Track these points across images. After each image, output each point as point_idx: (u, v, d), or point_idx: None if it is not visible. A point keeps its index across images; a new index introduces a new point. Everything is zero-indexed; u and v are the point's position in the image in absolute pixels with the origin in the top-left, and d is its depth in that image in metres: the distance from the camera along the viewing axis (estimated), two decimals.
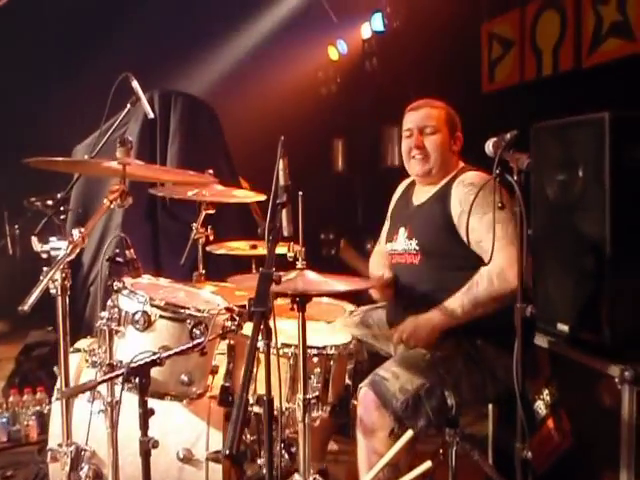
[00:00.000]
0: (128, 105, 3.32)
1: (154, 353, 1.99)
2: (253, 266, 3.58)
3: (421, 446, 3.03)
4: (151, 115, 3.27)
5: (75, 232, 1.95)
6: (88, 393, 2.36)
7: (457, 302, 2.44)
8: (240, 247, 3.54)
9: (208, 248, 3.50)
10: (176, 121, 4.23)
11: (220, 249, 3.51)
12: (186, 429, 2.60)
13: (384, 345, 2.81)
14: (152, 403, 2.35)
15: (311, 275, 2.20)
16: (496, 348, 2.50)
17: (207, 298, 2.65)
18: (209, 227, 3.50)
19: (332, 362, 2.46)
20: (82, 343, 2.78)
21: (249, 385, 1.45)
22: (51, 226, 3.34)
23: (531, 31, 5.34)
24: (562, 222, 2.99)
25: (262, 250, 3.55)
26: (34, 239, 2.07)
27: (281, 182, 1.97)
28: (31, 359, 4.34)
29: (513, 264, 2.30)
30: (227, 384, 2.49)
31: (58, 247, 1.99)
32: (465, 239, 2.47)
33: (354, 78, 7.09)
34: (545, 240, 3.15)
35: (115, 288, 2.37)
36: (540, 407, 3.05)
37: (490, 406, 3.26)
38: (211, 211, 3.40)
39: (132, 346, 2.31)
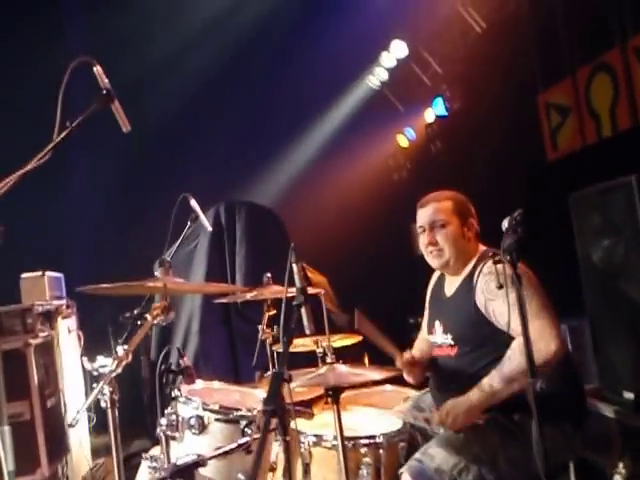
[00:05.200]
0: (188, 222, 3.63)
1: (198, 455, 2.14)
2: (319, 361, 3.70)
3: None
4: (209, 229, 3.55)
5: (120, 349, 2.18)
6: None
7: (493, 379, 2.46)
8: (304, 344, 3.68)
9: (275, 347, 3.66)
10: (241, 229, 4.54)
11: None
12: None
13: (436, 428, 2.83)
14: None
15: (341, 368, 2.31)
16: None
17: (261, 398, 2.79)
18: (275, 327, 3.68)
19: (382, 450, 2.51)
20: (157, 450, 2.96)
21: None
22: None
23: (586, 96, 5.37)
24: (611, 287, 2.98)
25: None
26: (84, 359, 2.32)
27: (297, 284, 2.13)
28: (131, 468, 4.57)
29: (542, 336, 2.37)
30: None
31: (105, 364, 2.22)
32: (497, 324, 2.52)
33: (422, 162, 7.27)
34: (600, 306, 3.12)
35: (173, 396, 2.55)
36: None
37: None
38: (272, 312, 3.58)
39: (189, 449, 2.46)
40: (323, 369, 2.34)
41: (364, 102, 7.62)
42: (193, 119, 6.18)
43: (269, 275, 3.51)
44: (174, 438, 2.50)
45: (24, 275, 5.13)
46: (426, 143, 7.18)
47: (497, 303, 2.49)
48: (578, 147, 5.48)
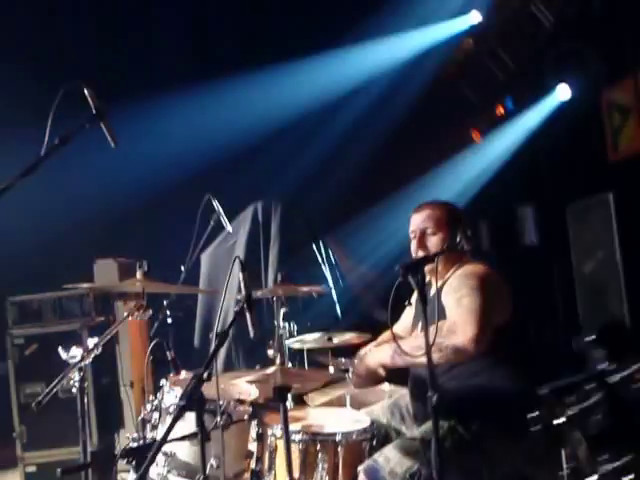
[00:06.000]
0: (211, 222, 3.91)
1: (153, 439, 2.39)
2: (329, 357, 3.88)
3: None
4: (229, 229, 3.80)
5: (90, 341, 2.47)
6: None
7: (408, 342, 2.61)
8: (315, 340, 3.85)
9: (287, 342, 3.87)
10: (276, 226, 4.78)
11: (297, 343, 3.86)
12: None
13: (409, 429, 2.94)
14: None
15: (289, 370, 2.48)
16: (496, 433, 2.56)
17: (243, 390, 3.00)
18: (291, 322, 3.90)
19: (340, 448, 2.67)
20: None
21: (149, 467, 1.78)
22: None
23: None
24: (599, 301, 2.97)
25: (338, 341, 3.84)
26: (60, 349, 2.62)
27: (243, 292, 2.32)
28: None
29: (466, 322, 2.48)
30: (257, 468, 2.80)
31: (75, 355, 2.52)
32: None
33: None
34: (589, 317, 3.12)
35: (160, 385, 2.82)
36: None
37: None
38: (284, 309, 3.80)
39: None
40: (272, 369, 2.52)
41: (436, 96, 7.60)
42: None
43: (282, 273, 3.72)
44: (155, 422, 2.77)
45: (98, 261, 5.62)
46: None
47: (448, 297, 2.68)
48: (638, 149, 5.32)
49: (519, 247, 6.99)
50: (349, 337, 3.89)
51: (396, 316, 2.71)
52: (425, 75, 7.40)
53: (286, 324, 3.89)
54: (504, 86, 7.09)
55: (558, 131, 6.25)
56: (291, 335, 3.92)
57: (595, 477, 1.86)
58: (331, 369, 3.55)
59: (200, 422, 2.00)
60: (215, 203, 3.85)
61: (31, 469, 4.84)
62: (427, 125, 7.31)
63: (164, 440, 1.89)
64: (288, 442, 2.46)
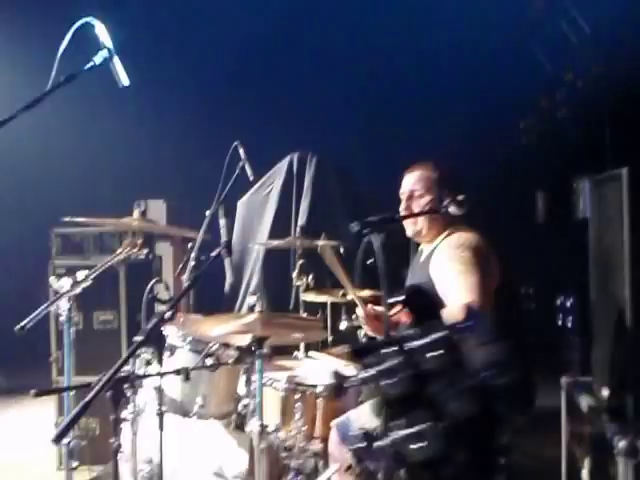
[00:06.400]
0: (237, 170, 3.93)
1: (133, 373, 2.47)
2: (343, 312, 3.90)
3: None
4: (251, 178, 3.82)
5: (80, 273, 2.57)
6: None
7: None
8: (332, 294, 3.86)
9: (303, 296, 3.90)
10: (309, 179, 4.79)
11: (310, 296, 3.88)
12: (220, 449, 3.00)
13: None
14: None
15: (270, 318, 2.51)
16: None
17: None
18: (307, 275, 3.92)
19: (320, 400, 2.69)
20: None
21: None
22: None
23: None
24: (607, 280, 2.85)
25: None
26: (52, 278, 2.72)
27: (223, 237, 2.34)
28: None
29: (465, 310, 2.37)
30: (243, 411, 2.88)
31: (63, 285, 2.62)
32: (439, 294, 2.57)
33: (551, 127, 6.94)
34: (601, 298, 3.00)
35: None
36: None
37: None
38: (301, 261, 3.82)
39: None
40: (251, 317, 2.55)
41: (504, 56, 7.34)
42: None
43: (300, 226, 3.74)
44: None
45: (149, 201, 5.83)
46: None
47: (442, 275, 2.59)
48: None
49: (574, 220, 6.76)
50: (365, 293, 3.89)
51: (369, 278, 2.63)
52: (494, 34, 7.16)
53: (304, 276, 3.91)
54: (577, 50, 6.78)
55: (625, 102, 5.96)
56: (308, 288, 3.94)
57: (387, 441, 1.82)
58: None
59: (159, 359, 2.06)
60: (241, 151, 3.86)
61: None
62: (494, 86, 7.10)
63: (114, 373, 1.96)
64: (261, 389, 2.50)
